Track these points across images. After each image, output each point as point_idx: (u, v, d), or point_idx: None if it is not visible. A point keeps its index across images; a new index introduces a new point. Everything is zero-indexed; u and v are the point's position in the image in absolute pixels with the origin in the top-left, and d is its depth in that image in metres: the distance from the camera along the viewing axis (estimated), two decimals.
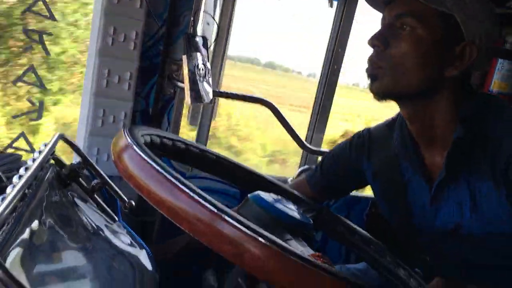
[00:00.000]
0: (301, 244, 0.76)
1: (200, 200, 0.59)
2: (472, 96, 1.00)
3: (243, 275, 0.84)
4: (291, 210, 0.83)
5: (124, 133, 0.76)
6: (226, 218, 0.57)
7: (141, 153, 0.68)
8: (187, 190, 0.60)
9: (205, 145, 1.68)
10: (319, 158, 1.66)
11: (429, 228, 1.06)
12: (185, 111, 1.62)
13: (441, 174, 1.00)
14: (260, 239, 0.55)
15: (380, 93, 1.00)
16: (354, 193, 1.41)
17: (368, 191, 1.56)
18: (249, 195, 0.86)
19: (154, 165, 0.65)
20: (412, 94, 0.99)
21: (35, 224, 0.74)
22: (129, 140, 0.73)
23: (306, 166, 1.78)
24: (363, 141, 1.22)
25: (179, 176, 0.63)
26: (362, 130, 1.25)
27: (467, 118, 0.97)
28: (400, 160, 1.11)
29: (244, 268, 0.57)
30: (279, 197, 0.87)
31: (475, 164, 0.96)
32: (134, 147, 0.70)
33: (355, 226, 1.13)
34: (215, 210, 0.57)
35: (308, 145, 1.77)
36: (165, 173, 0.63)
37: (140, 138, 0.79)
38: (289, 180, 1.49)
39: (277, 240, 0.56)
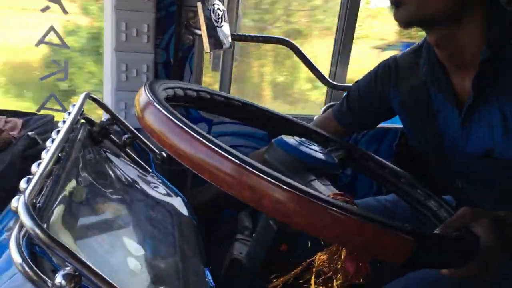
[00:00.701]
0: (324, 184, 0.78)
1: (220, 151, 0.61)
2: (500, 17, 0.96)
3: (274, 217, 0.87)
4: (315, 151, 0.84)
5: (145, 89, 0.77)
6: (245, 166, 0.59)
7: (161, 109, 0.70)
8: (206, 142, 0.62)
9: (229, 90, 1.69)
10: (344, 93, 1.65)
11: (460, 154, 1.06)
12: (207, 57, 1.61)
13: (470, 98, 0.98)
14: (276, 183, 0.56)
15: (405, 21, 0.96)
16: (383, 124, 1.40)
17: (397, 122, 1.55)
18: (273, 140, 0.87)
19: (175, 120, 0.66)
20: (439, 19, 0.95)
21: (73, 183, 0.78)
22: (149, 97, 0.74)
23: (331, 103, 1.77)
24: (389, 71, 1.19)
25: (198, 129, 0.65)
26: (387, 59, 1.22)
27: (495, 40, 0.94)
28: (428, 87, 1.09)
29: (266, 212, 0.59)
30: (303, 139, 0.88)
31: (504, 86, 0.94)
32: (155, 103, 0.72)
33: (384, 161, 1.14)
34: (234, 159, 0.59)
35: (331, 81, 1.75)
36: (185, 127, 0.65)
37: (161, 94, 0.80)
38: (315, 118, 1.49)
39: (292, 182, 0.57)
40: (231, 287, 0.93)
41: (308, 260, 0.75)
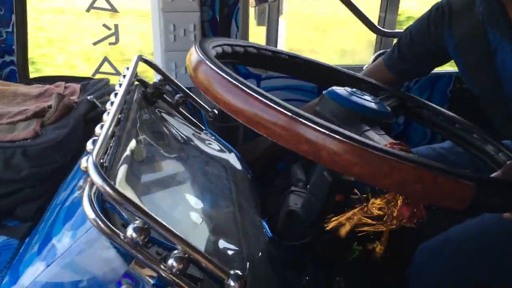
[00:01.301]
0: (379, 133, 0.77)
1: (273, 105, 0.61)
2: None
3: (327, 168, 0.87)
4: (367, 101, 0.83)
5: (196, 48, 0.78)
6: (299, 119, 0.59)
7: (213, 67, 0.71)
8: (260, 97, 0.63)
9: (275, 44, 1.67)
10: (395, 41, 1.60)
11: None
12: (252, 12, 1.60)
13: None
14: (333, 135, 0.57)
15: None
16: (435, 70, 1.35)
17: (450, 67, 1.50)
18: (324, 92, 0.87)
19: (227, 77, 0.68)
20: None
21: (133, 143, 0.82)
22: (200, 55, 0.75)
23: (381, 51, 1.72)
24: (442, 13, 1.14)
25: (251, 85, 0.66)
26: (440, 1, 1.17)
27: None
28: (485, 27, 1.04)
29: (324, 164, 0.60)
30: (354, 89, 0.87)
31: None
32: (206, 61, 0.73)
33: (438, 107, 1.11)
34: (289, 113, 0.60)
35: (381, 28, 1.69)
36: (238, 84, 0.66)
37: (211, 51, 0.81)
38: (364, 67, 1.46)
39: (349, 134, 0.57)
40: (287, 238, 0.96)
41: (363, 204, 0.75)
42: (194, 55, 0.78)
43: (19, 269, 0.63)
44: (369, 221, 0.76)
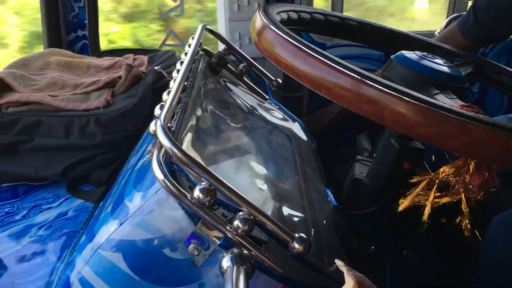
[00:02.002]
0: (449, 97, 0.73)
1: (336, 66, 0.60)
2: None
3: (396, 135, 0.85)
4: (438, 64, 0.79)
5: (260, 14, 0.78)
6: (362, 79, 0.57)
7: (278, 31, 0.70)
8: (323, 59, 0.61)
9: (341, 10, 1.62)
10: (469, 3, 1.50)
11: None
12: None
13: None
14: (396, 94, 0.55)
15: None
16: None
17: None
18: (392, 56, 0.83)
19: (292, 40, 0.66)
20: None
21: (199, 111, 0.84)
22: (265, 20, 0.74)
23: (454, 15, 1.62)
24: None
25: (314, 47, 0.64)
26: None
27: None
28: None
29: (386, 125, 0.58)
30: (425, 53, 0.83)
31: None
32: (271, 26, 0.72)
33: None
34: (352, 74, 0.58)
35: None
36: (302, 47, 0.64)
37: (275, 17, 0.80)
38: (436, 33, 1.38)
39: (414, 93, 0.55)
40: (353, 207, 0.94)
41: (432, 174, 0.72)
42: (258, 20, 0.77)
43: (94, 228, 0.66)
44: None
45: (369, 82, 0.56)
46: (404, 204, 0.80)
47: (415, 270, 1.16)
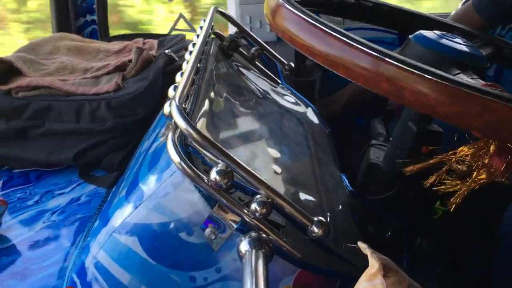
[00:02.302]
0: (471, 77, 0.71)
1: (353, 43, 0.58)
2: None
3: (413, 118, 0.83)
4: (458, 44, 0.77)
5: None
6: (380, 56, 0.55)
7: (292, 9, 0.68)
8: (340, 37, 0.59)
9: None
10: None
11: None
12: None
13: None
14: (417, 72, 0.52)
15: None
16: None
17: None
18: (410, 36, 0.81)
19: (308, 19, 0.64)
20: None
21: (212, 94, 0.82)
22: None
23: None
24: None
25: (330, 24, 0.62)
26: None
27: None
28: None
29: (406, 104, 0.56)
30: (444, 32, 0.81)
31: None
32: (286, 4, 0.70)
33: None
34: (369, 51, 0.56)
35: None
36: (319, 25, 0.62)
37: None
38: (452, 13, 1.35)
39: (435, 70, 0.53)
40: (368, 192, 0.93)
41: (450, 153, 0.70)
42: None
43: (108, 213, 0.65)
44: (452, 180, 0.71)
45: (389, 60, 0.54)
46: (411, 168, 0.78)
47: (429, 258, 1.14)
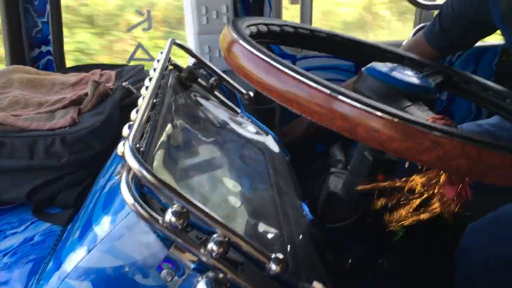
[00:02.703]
0: (421, 108, 0.73)
1: (308, 81, 0.59)
2: None
3: (369, 148, 0.85)
4: (409, 76, 0.79)
5: (228, 28, 0.76)
6: (334, 94, 0.57)
7: (246, 46, 0.68)
8: (294, 74, 0.60)
9: (310, 22, 1.63)
10: (435, 13, 1.52)
11: None
12: None
13: None
14: (370, 109, 0.54)
15: None
16: (480, 42, 1.29)
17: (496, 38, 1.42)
18: (362, 68, 0.83)
19: (261, 55, 0.65)
20: None
21: (169, 128, 0.81)
22: (234, 35, 0.73)
23: (421, 24, 1.65)
24: None
25: (285, 61, 0.63)
26: None
27: None
28: None
29: (360, 141, 0.57)
30: (395, 65, 0.83)
31: None
32: (240, 41, 0.71)
33: (487, 81, 1.05)
34: (323, 89, 0.57)
35: (420, 0, 1.62)
36: (272, 62, 0.63)
37: (245, 31, 0.79)
38: (404, 43, 1.40)
39: (386, 107, 0.54)
40: (329, 220, 0.94)
41: (403, 180, 0.72)
42: (227, 35, 0.75)
43: (62, 255, 0.63)
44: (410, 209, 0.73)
45: (341, 98, 0.56)
46: (380, 203, 0.79)
47: (391, 278, 1.16)
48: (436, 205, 0.68)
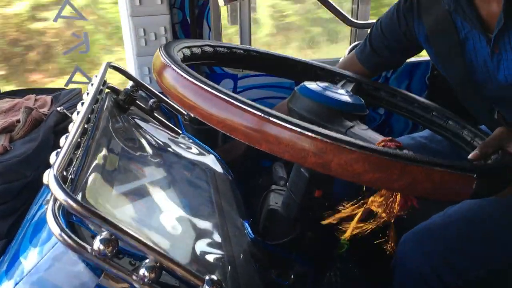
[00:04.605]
0: (363, 128, 0.76)
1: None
2: None
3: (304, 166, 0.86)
4: (341, 94, 0.82)
5: (160, 52, 0.76)
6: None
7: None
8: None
9: (249, 42, 1.66)
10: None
11: (492, 82, 1.02)
12: (224, 13, 1.58)
13: (499, 23, 0.93)
14: (342, 145, 0.56)
15: None
16: (413, 58, 1.35)
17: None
18: (295, 88, 0.85)
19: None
20: None
21: (104, 152, 0.80)
22: (166, 59, 0.73)
23: (356, 42, 1.71)
24: (411, 3, 1.14)
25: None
26: None
27: None
28: (453, 16, 1.04)
29: (334, 176, 0.59)
30: (327, 84, 0.86)
31: None
32: (172, 65, 0.71)
33: (413, 95, 1.10)
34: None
35: (353, 19, 1.68)
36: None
37: (176, 55, 0.80)
38: (340, 60, 1.44)
39: (357, 142, 0.57)
40: (270, 237, 0.95)
41: (359, 200, 0.74)
42: (159, 58, 0.76)
43: None
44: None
45: (312, 135, 0.57)
46: (328, 220, 0.81)
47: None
48: (382, 215, 0.70)
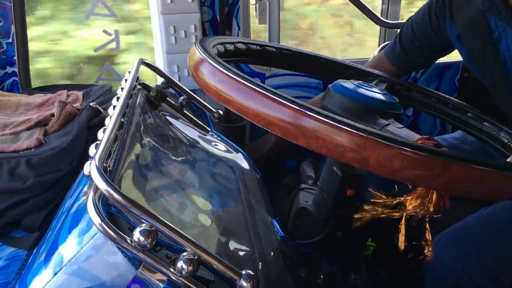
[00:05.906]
0: (398, 127, 0.75)
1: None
2: None
3: (338, 163, 0.86)
4: (375, 92, 0.81)
5: (196, 47, 0.77)
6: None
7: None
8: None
9: (278, 41, 1.66)
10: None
11: None
12: (253, 11, 1.59)
13: None
14: (382, 141, 0.55)
15: None
16: (443, 59, 1.33)
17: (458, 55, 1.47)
18: (329, 85, 0.85)
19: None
20: None
21: (138, 147, 0.81)
22: (202, 54, 0.74)
23: (386, 42, 1.70)
24: (443, 3, 1.13)
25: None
26: None
27: None
28: (487, 16, 1.02)
29: (371, 172, 0.58)
30: (361, 82, 0.85)
31: None
32: (208, 60, 0.71)
33: (447, 96, 1.09)
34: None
35: (384, 19, 1.67)
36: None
37: (212, 50, 0.80)
38: (370, 60, 1.43)
39: (397, 138, 0.56)
40: (300, 236, 0.94)
41: (394, 202, 0.73)
42: (195, 54, 0.76)
43: (27, 279, 0.61)
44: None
45: (351, 130, 0.56)
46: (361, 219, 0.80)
47: None
48: (410, 208, 0.69)
